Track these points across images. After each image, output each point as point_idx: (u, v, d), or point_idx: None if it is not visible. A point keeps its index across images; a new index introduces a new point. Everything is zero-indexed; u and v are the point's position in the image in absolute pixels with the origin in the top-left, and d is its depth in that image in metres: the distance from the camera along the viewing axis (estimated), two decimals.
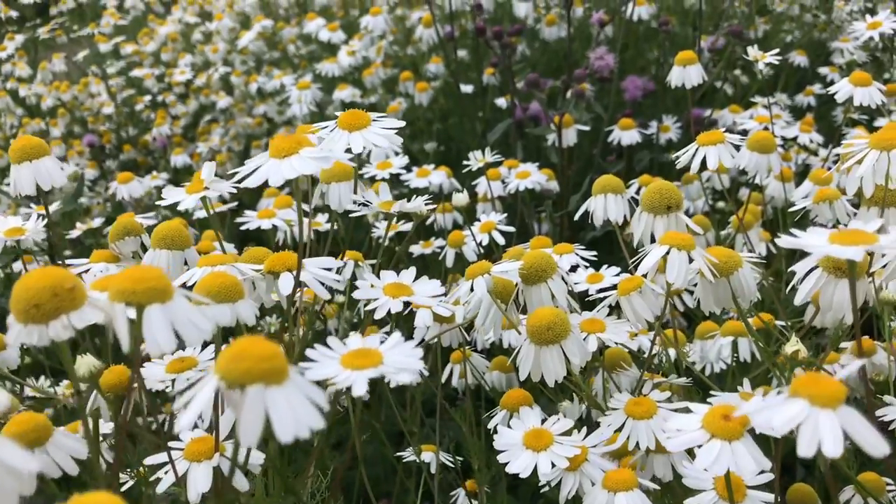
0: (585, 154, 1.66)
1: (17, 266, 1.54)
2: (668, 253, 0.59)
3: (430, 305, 0.53)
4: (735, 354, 0.89)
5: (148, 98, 2.63)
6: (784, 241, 0.41)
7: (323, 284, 0.54)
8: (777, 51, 1.05)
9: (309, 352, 0.42)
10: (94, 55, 2.97)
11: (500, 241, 1.03)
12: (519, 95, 1.45)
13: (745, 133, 1.18)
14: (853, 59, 1.91)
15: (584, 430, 0.63)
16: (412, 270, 0.57)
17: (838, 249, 0.40)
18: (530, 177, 1.19)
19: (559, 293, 0.66)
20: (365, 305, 0.55)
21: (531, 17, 1.94)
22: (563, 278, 0.68)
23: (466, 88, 1.68)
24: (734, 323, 0.90)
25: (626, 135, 1.35)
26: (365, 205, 0.62)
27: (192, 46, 2.85)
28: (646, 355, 0.87)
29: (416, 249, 1.26)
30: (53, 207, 1.29)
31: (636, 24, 2.07)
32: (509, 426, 0.61)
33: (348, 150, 0.57)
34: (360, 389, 0.39)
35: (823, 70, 2.02)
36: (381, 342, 0.44)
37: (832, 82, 2.15)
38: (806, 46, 2.20)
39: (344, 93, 1.86)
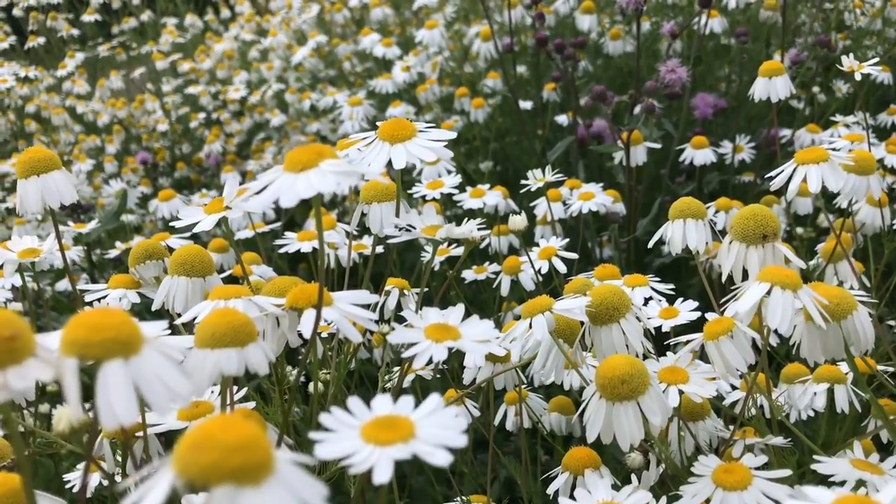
0: (651, 175, 1.55)
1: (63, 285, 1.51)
2: (769, 293, 0.49)
3: (479, 352, 0.44)
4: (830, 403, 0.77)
5: (202, 116, 2.61)
6: None
7: (355, 324, 0.46)
8: (876, 59, 0.93)
9: (324, 418, 0.33)
10: (151, 72, 2.98)
11: (562, 268, 0.93)
12: (581, 112, 1.35)
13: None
14: None
15: (664, 501, 0.53)
16: (460, 309, 0.47)
17: None
18: (595, 198, 1.09)
19: (633, 336, 0.56)
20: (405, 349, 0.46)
21: (595, 32, 1.84)
22: (637, 317, 0.58)
23: (525, 105, 1.59)
24: (830, 368, 0.78)
25: (699, 154, 1.24)
26: (408, 229, 0.54)
27: (248, 64, 2.83)
28: (726, 402, 0.77)
29: (469, 275, 1.17)
30: (91, 226, 1.24)
31: (706, 39, 1.95)
32: (572, 496, 0.51)
33: (394, 165, 0.49)
34: (384, 475, 0.30)
35: None
36: (416, 406, 0.35)
37: None
38: (889, 63, 2.05)
39: (397, 110, 1.79)
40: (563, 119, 1.61)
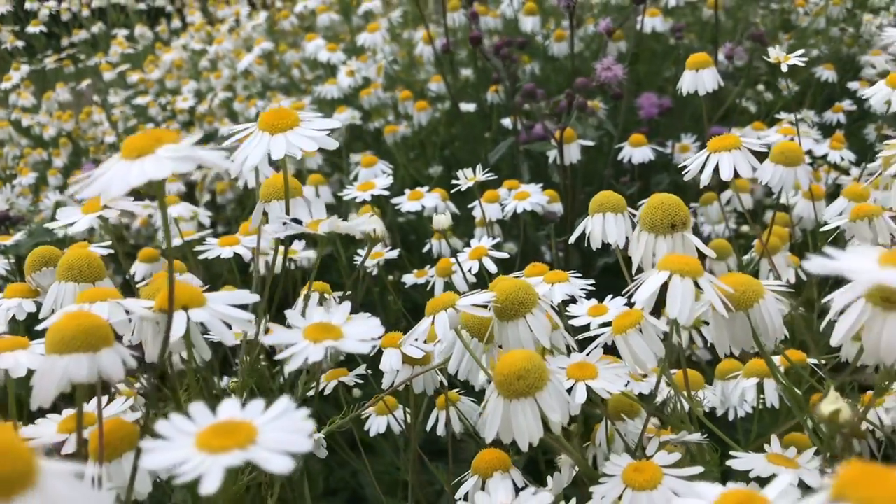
0: (600, 175, 1.54)
1: None
2: (668, 281, 0.47)
3: (361, 351, 0.41)
4: (762, 398, 0.76)
5: (151, 126, 2.56)
6: (816, 264, 0.29)
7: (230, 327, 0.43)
8: (802, 52, 0.93)
9: (160, 425, 0.31)
10: (98, 84, 2.92)
11: (493, 268, 0.91)
12: (525, 113, 1.34)
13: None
14: (886, 70, 1.77)
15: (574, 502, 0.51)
16: (346, 307, 0.45)
17: (887, 275, 0.28)
18: (530, 198, 1.07)
19: (540, 332, 0.54)
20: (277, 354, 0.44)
21: (540, 34, 1.83)
22: (548, 312, 0.56)
23: (469, 107, 1.57)
24: (759, 362, 0.77)
25: (637, 152, 1.23)
26: (295, 223, 0.51)
27: (199, 73, 2.78)
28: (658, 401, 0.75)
29: (410, 279, 1.15)
30: (17, 237, 1.19)
31: (653, 41, 1.95)
32: (474, 500, 0.48)
33: (272, 156, 0.46)
34: (212, 485, 0.28)
35: (853, 84, 1.89)
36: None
37: (861, 98, 2.02)
38: (833, 61, 2.07)
39: (343, 115, 1.77)
40: (508, 122, 1.59)
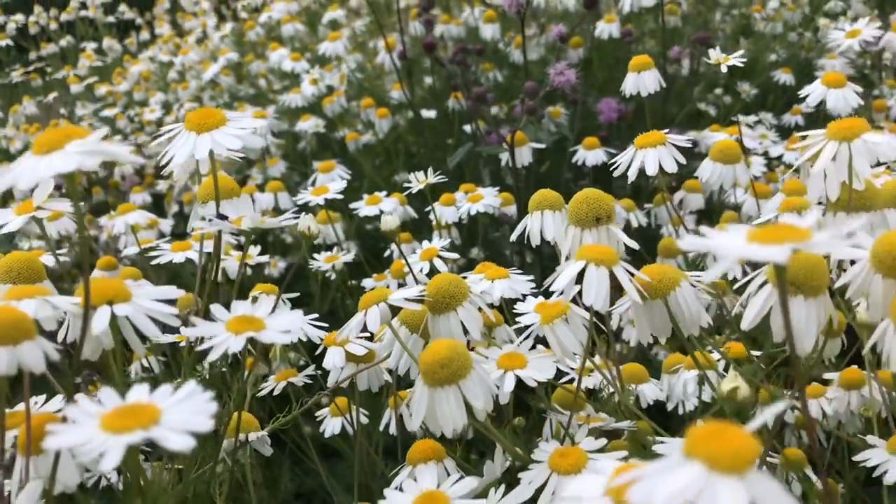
0: (559, 178, 1.57)
1: None
2: (584, 269, 0.49)
3: (279, 342, 0.43)
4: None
5: (119, 138, 2.56)
6: (687, 242, 0.31)
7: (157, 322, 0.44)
8: (741, 52, 0.96)
9: (69, 409, 0.32)
10: (66, 97, 2.91)
11: (443, 268, 0.93)
12: (486, 119, 1.36)
13: None
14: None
15: (502, 488, 0.52)
16: (271, 300, 0.46)
17: (757, 250, 0.29)
18: (483, 200, 1.09)
19: (472, 324, 0.56)
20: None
21: (501, 41, 1.86)
22: (480, 306, 0.58)
23: (429, 114, 1.59)
24: (700, 355, 0.79)
25: (590, 155, 1.25)
26: (223, 218, 0.52)
27: (167, 85, 2.78)
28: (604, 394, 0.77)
29: (370, 283, 1.16)
30: None
31: (614, 47, 1.98)
32: (401, 489, 0.50)
33: (197, 155, 0.47)
34: (111, 462, 0.29)
35: (808, 89, 1.92)
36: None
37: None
38: (792, 65, 2.11)
39: (307, 123, 1.78)
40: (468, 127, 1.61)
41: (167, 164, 0.49)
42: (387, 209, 1.16)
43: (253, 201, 1.33)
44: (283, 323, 0.44)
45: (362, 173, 1.71)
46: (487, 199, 1.08)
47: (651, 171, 0.62)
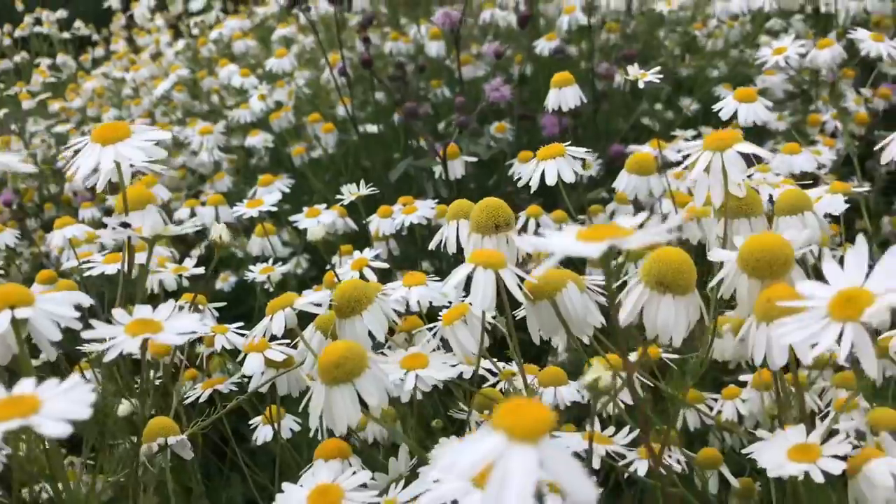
0: (502, 191, 1.60)
1: None
2: (472, 272, 0.52)
3: (176, 343, 0.45)
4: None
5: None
6: (526, 242, 0.34)
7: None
8: (658, 68, 1.00)
9: None
10: (17, 113, 2.90)
11: (372, 278, 0.95)
12: (418, 133, 1.39)
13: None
14: (765, 87, 1.88)
15: (402, 483, 0.55)
16: (170, 304, 0.49)
17: (581, 247, 0.33)
18: (417, 211, 1.12)
19: (376, 328, 0.59)
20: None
21: (449, 59, 1.90)
22: (386, 310, 0.61)
23: (372, 129, 1.62)
24: (611, 356, 0.82)
25: (525, 168, 1.28)
26: (125, 226, 0.54)
27: (121, 101, 2.78)
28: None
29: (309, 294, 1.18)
30: None
31: (556, 64, 2.03)
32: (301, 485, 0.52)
33: (101, 166, 0.50)
34: None
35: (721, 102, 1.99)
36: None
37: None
38: (733, 81, 2.17)
39: (256, 139, 1.80)
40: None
41: (74, 173, 0.51)
42: (326, 221, 1.19)
43: (194, 214, 1.35)
44: (181, 325, 0.47)
45: (311, 189, 1.73)
46: (421, 210, 1.11)
47: (550, 180, 0.65)
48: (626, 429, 0.61)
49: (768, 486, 0.74)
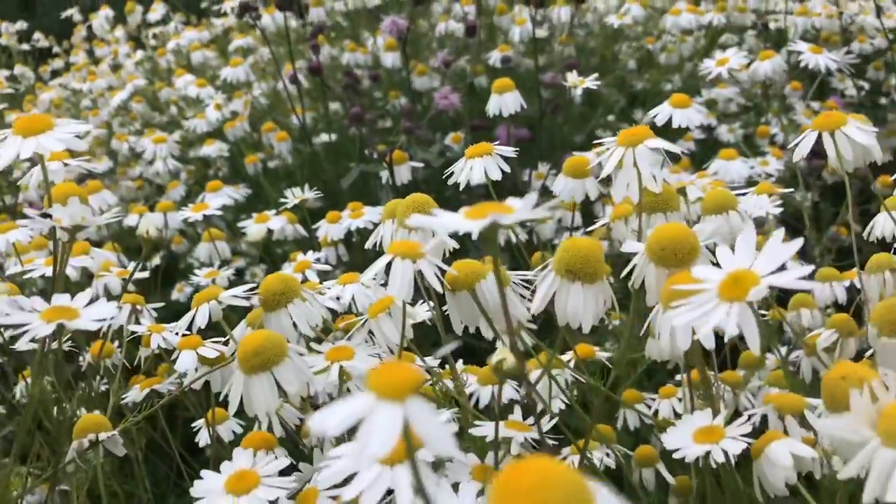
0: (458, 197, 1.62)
1: None
2: (391, 263, 0.53)
3: (89, 328, 0.46)
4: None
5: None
6: (414, 220, 0.35)
7: None
8: (596, 75, 1.02)
9: None
10: None
11: (315, 280, 0.96)
12: (366, 140, 1.40)
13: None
14: (711, 98, 1.92)
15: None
16: (88, 292, 0.49)
17: (465, 223, 0.34)
18: (364, 216, 1.13)
19: (302, 321, 0.60)
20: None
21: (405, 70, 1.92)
22: (312, 304, 0.61)
23: (326, 138, 1.63)
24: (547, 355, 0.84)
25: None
26: (46, 217, 0.55)
27: (80, 112, 2.77)
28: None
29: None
30: None
31: (510, 74, 2.06)
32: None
33: (21, 155, 0.50)
34: None
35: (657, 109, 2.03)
36: None
37: (710, 126, 2.16)
38: (687, 94, 2.21)
39: (211, 148, 1.80)
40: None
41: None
42: (275, 227, 1.20)
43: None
44: (95, 312, 0.47)
45: (267, 196, 1.74)
46: (368, 215, 1.13)
47: (476, 178, 0.67)
48: (547, 417, 0.63)
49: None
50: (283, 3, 1.15)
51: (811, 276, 0.39)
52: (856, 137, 0.62)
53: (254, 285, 0.60)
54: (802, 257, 1.26)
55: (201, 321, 0.57)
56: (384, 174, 1.10)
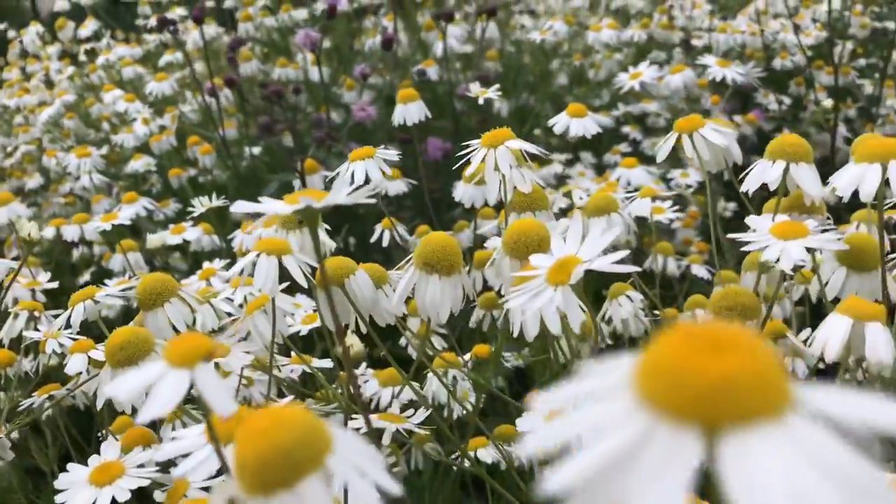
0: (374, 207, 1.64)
1: None
2: (256, 259, 0.55)
3: None
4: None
5: None
6: (239, 206, 0.37)
7: None
8: (497, 86, 1.06)
9: None
10: None
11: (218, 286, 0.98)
12: (274, 149, 1.42)
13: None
14: (627, 111, 1.98)
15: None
16: None
17: (282, 207, 0.36)
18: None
19: (178, 320, 0.61)
20: None
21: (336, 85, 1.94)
22: (191, 303, 0.63)
23: (255, 150, 1.65)
24: (449, 355, 0.86)
25: (392, 185, 1.33)
26: None
27: (11, 129, 2.73)
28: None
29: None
30: None
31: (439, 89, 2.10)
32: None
33: None
34: None
35: (625, 129, 2.10)
36: None
37: (635, 140, 2.22)
38: (612, 108, 2.27)
39: (138, 163, 1.80)
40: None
41: None
42: (190, 238, 1.21)
43: (59, 234, 1.34)
44: None
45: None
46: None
47: (359, 179, 0.69)
48: (420, 409, 0.65)
49: None
50: (198, 17, 1.16)
51: (624, 261, 0.42)
52: (711, 139, 0.66)
53: (131, 285, 0.61)
54: (709, 263, 1.30)
55: (75, 321, 0.59)
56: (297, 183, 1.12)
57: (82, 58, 2.36)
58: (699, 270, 1.14)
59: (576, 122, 1.02)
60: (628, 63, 2.49)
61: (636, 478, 0.13)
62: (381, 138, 1.79)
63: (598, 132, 1.01)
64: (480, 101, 1.04)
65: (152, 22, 1.79)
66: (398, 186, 1.36)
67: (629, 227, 0.78)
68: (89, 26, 2.40)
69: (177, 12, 2.08)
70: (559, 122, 1.03)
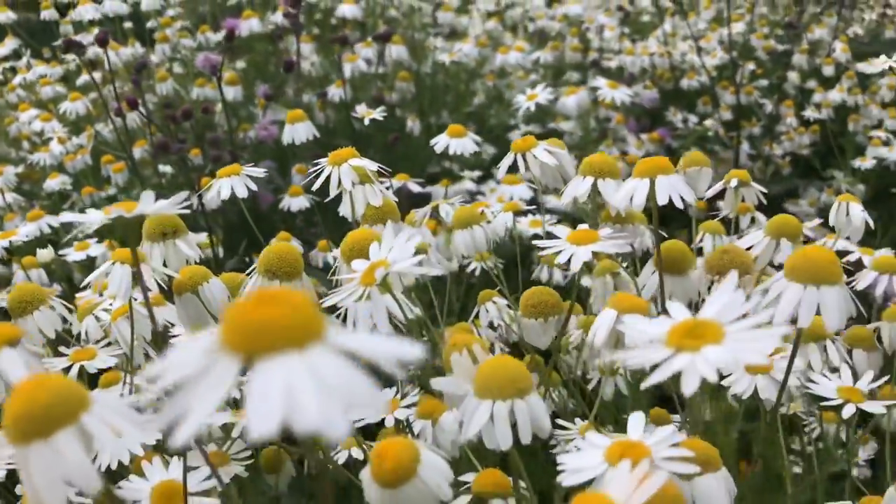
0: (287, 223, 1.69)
1: None
2: (111, 268, 0.61)
3: None
4: None
5: None
6: (64, 216, 0.43)
7: None
8: (383, 107, 1.13)
9: None
10: None
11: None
12: (177, 168, 1.46)
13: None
14: (528, 130, 2.07)
15: None
16: None
17: (99, 217, 0.42)
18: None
19: (47, 325, 0.66)
20: None
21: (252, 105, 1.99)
22: (60, 311, 0.68)
23: (165, 168, 1.68)
24: None
25: (294, 201, 1.39)
26: None
27: None
28: None
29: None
30: None
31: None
32: None
33: None
34: None
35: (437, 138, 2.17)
36: None
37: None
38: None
39: (54, 181, 1.82)
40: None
41: None
42: (95, 254, 1.25)
43: None
44: None
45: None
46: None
47: (224, 195, 0.75)
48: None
49: None
50: (103, 39, 1.20)
51: (422, 264, 0.49)
52: (541, 158, 0.73)
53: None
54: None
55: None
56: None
57: None
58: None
59: (455, 142, 1.09)
60: (545, 83, 2.59)
61: (196, 392, 0.18)
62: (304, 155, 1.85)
63: (476, 150, 1.08)
64: (366, 122, 1.10)
65: (59, 43, 1.82)
66: (301, 203, 1.42)
67: (490, 240, 0.85)
68: (8, 45, 2.40)
69: (95, 33, 2.10)
70: (440, 142, 1.10)
